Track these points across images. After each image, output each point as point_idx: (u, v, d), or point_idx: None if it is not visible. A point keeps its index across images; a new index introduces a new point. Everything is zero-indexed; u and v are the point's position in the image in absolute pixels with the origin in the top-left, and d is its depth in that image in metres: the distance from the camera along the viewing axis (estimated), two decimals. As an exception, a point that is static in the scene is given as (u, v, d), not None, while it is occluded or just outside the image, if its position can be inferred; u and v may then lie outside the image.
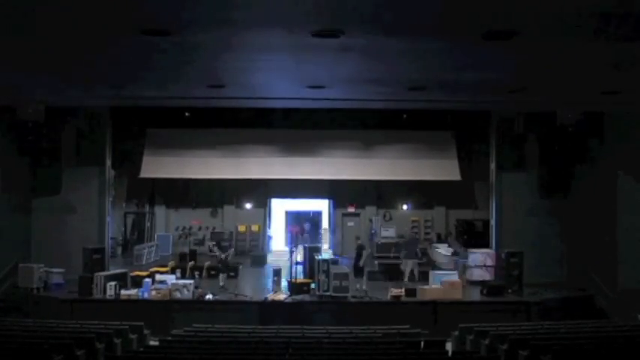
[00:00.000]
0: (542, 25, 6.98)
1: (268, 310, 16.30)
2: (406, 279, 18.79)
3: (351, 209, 26.53)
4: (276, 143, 22.84)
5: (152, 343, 12.94)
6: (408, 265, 19.19)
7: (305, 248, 19.61)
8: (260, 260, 23.60)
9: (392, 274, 19.49)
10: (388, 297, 16.46)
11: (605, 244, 17.90)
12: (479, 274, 18.68)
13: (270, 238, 26.48)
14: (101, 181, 19.79)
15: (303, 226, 25.28)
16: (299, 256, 19.22)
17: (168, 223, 25.35)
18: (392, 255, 21.83)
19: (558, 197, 19.73)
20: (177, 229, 25.44)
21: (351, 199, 26.17)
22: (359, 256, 19.68)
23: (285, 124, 21.38)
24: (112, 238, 20.94)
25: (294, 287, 17.30)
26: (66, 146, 19.62)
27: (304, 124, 21.42)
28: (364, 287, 16.95)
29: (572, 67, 9.66)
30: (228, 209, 26.08)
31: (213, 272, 19.42)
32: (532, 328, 13.12)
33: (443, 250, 21.56)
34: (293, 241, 19.61)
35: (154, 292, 16.45)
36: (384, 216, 26.24)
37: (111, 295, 16.42)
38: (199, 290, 16.59)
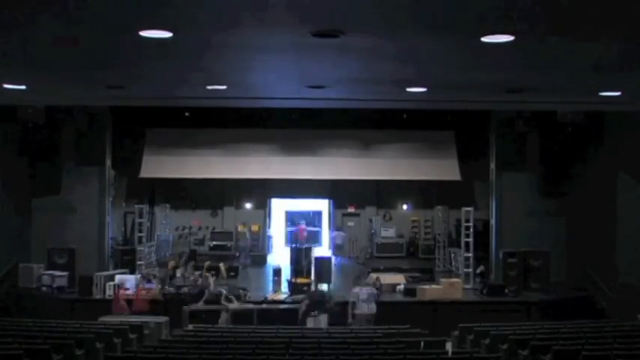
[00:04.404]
0: (538, 26, 6.99)
1: (268, 310, 16.29)
2: None
3: (351, 209, 26.53)
4: (276, 143, 22.84)
5: (152, 342, 12.93)
6: None
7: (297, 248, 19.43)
8: (260, 260, 23.61)
9: None
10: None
11: (605, 244, 17.91)
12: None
13: (270, 237, 26.48)
14: (101, 181, 19.80)
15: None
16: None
17: (168, 223, 25.35)
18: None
19: (558, 197, 19.74)
20: (177, 229, 25.44)
21: (351, 199, 26.18)
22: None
23: (285, 124, 21.38)
24: (111, 238, 20.93)
25: (294, 287, 17.29)
26: (66, 146, 19.63)
27: (304, 124, 21.42)
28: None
29: (571, 67, 9.67)
30: (228, 209, 26.08)
31: (213, 272, 19.40)
32: (532, 328, 13.12)
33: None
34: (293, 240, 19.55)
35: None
36: (384, 216, 26.25)
37: (110, 295, 16.43)
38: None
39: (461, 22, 6.86)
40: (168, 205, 25.22)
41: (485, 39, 7.48)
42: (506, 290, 17.54)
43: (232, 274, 19.52)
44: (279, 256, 23.97)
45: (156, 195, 25.22)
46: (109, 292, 16.42)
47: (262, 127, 22.14)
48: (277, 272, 18.69)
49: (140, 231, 20.63)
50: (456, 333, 13.46)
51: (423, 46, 8.17)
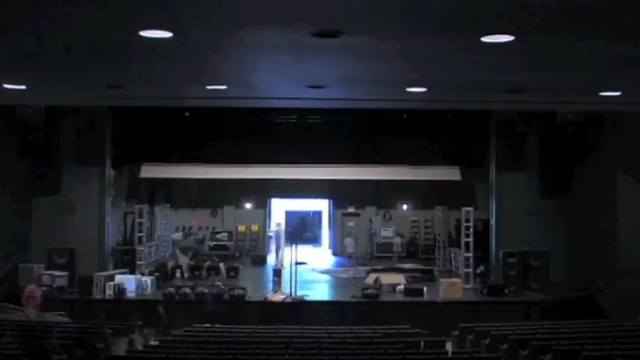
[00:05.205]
0: (540, 26, 6.99)
1: (268, 310, 16.31)
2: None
3: (351, 209, 26.55)
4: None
5: (152, 343, 12.94)
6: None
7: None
8: (260, 260, 23.62)
9: None
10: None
11: (604, 244, 17.91)
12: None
13: (270, 238, 26.49)
14: (101, 181, 19.78)
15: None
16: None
17: (168, 223, 25.37)
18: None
19: (558, 197, 19.72)
20: (177, 229, 25.44)
21: (351, 199, 26.20)
22: None
23: (285, 123, 21.31)
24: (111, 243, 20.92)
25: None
26: (66, 146, 19.61)
27: (304, 123, 21.34)
28: None
29: (571, 67, 9.67)
30: (228, 209, 26.09)
31: (213, 272, 19.43)
32: (532, 328, 13.12)
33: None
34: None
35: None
36: (384, 216, 26.27)
37: (110, 295, 16.43)
38: None
39: (461, 22, 6.86)
40: (168, 205, 25.23)
41: (485, 39, 7.48)
42: (506, 290, 17.54)
43: (232, 274, 19.52)
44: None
45: (156, 195, 25.23)
46: (109, 292, 16.43)
47: (262, 128, 22.07)
48: (277, 272, 18.68)
49: (140, 231, 20.62)
50: (456, 333, 13.46)
51: (423, 46, 8.17)
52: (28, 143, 18.46)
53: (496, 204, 19.99)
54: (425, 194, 25.62)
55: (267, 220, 26.79)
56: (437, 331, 13.29)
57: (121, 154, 20.48)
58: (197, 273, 19.50)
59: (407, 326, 13.25)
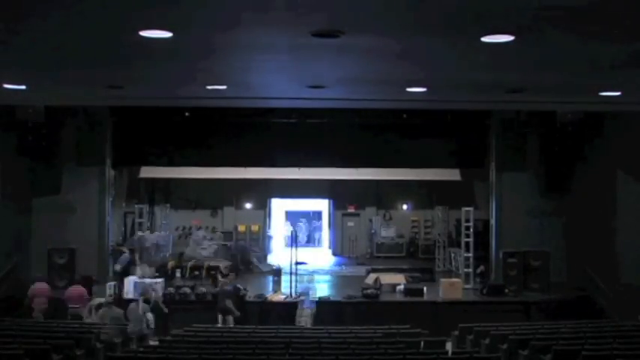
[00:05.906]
0: (538, 26, 6.99)
1: (268, 310, 16.31)
2: None
3: (351, 209, 26.57)
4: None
5: (152, 343, 12.95)
6: None
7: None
8: (260, 260, 23.60)
9: None
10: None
11: (604, 244, 17.91)
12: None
13: (270, 238, 26.50)
14: (101, 181, 19.80)
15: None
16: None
17: (168, 223, 25.35)
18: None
19: (558, 197, 19.74)
20: (177, 229, 25.43)
21: (351, 199, 26.21)
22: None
23: (285, 123, 21.29)
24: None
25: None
26: (66, 146, 19.63)
27: (304, 124, 21.32)
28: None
29: (571, 67, 9.67)
30: (228, 209, 26.09)
31: (212, 272, 19.42)
32: (532, 328, 13.13)
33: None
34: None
35: None
36: (384, 216, 26.27)
37: (110, 295, 16.41)
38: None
39: (461, 22, 6.86)
40: (168, 205, 25.22)
41: (485, 39, 7.47)
42: (506, 290, 17.55)
43: (232, 274, 19.49)
44: (279, 256, 23.98)
45: (156, 195, 25.22)
46: (109, 292, 16.42)
47: (262, 127, 22.04)
48: (277, 272, 18.68)
49: (140, 231, 20.61)
50: (456, 333, 13.47)
51: (423, 46, 8.16)
52: (28, 143, 18.48)
53: (496, 204, 20.00)
54: (425, 194, 25.62)
55: (268, 220, 26.78)
56: (437, 331, 13.30)
57: (120, 154, 20.46)
58: (197, 273, 19.49)
59: (407, 326, 13.26)
